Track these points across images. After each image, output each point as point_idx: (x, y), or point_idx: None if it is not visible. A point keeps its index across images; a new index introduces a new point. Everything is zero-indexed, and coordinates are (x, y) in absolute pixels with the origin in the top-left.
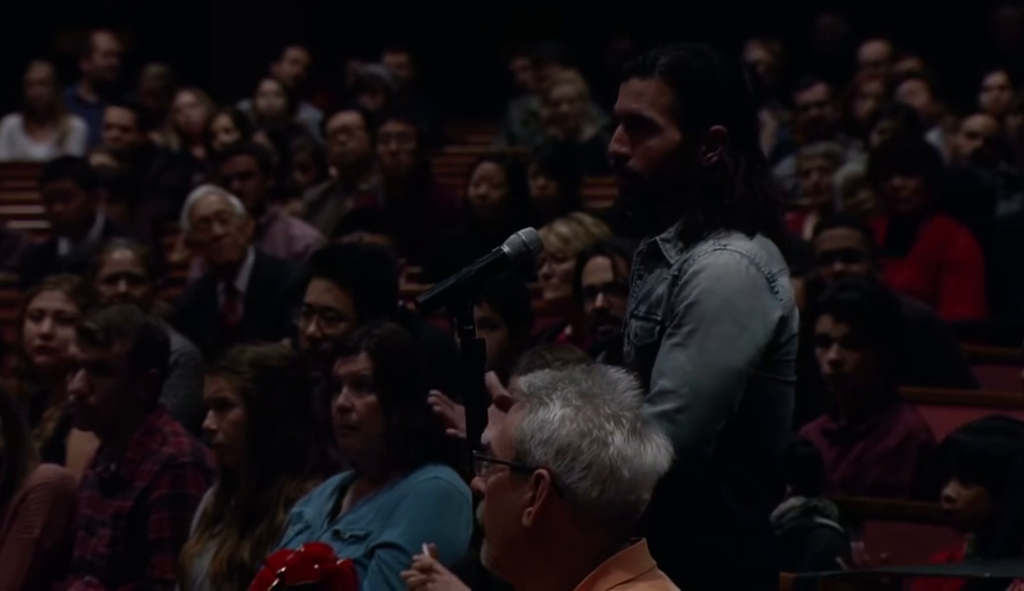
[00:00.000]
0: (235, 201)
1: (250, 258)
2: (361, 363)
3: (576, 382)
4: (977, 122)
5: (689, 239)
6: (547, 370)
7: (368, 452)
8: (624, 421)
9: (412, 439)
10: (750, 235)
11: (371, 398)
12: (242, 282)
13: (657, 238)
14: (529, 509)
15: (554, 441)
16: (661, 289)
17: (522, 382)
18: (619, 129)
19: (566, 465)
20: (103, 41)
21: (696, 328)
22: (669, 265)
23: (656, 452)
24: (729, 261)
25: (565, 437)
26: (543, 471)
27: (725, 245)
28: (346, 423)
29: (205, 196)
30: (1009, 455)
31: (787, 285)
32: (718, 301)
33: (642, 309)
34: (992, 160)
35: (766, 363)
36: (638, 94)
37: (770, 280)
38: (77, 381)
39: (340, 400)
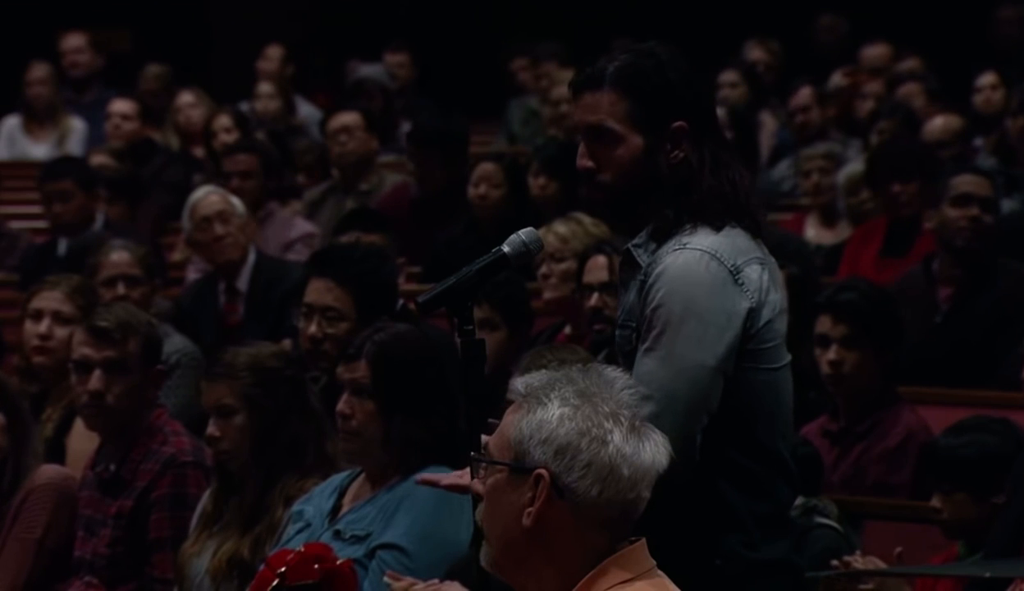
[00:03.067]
0: (236, 201)
1: (251, 258)
2: (360, 370)
3: (574, 382)
4: (937, 124)
5: (660, 239)
6: (543, 370)
7: (368, 457)
8: (623, 419)
9: (412, 447)
10: (718, 229)
11: (370, 405)
12: (243, 282)
13: (629, 245)
14: (529, 509)
15: (553, 441)
16: (633, 296)
17: (519, 383)
18: (582, 145)
19: (565, 464)
20: (72, 41)
21: (663, 331)
22: (641, 269)
23: (655, 450)
24: (689, 259)
25: (564, 436)
26: (542, 471)
27: (686, 244)
28: (346, 429)
29: (206, 196)
30: (983, 453)
31: (754, 275)
32: (681, 301)
33: (621, 317)
34: (961, 157)
35: (742, 354)
36: (593, 107)
37: (734, 273)
38: (95, 381)
39: (340, 406)
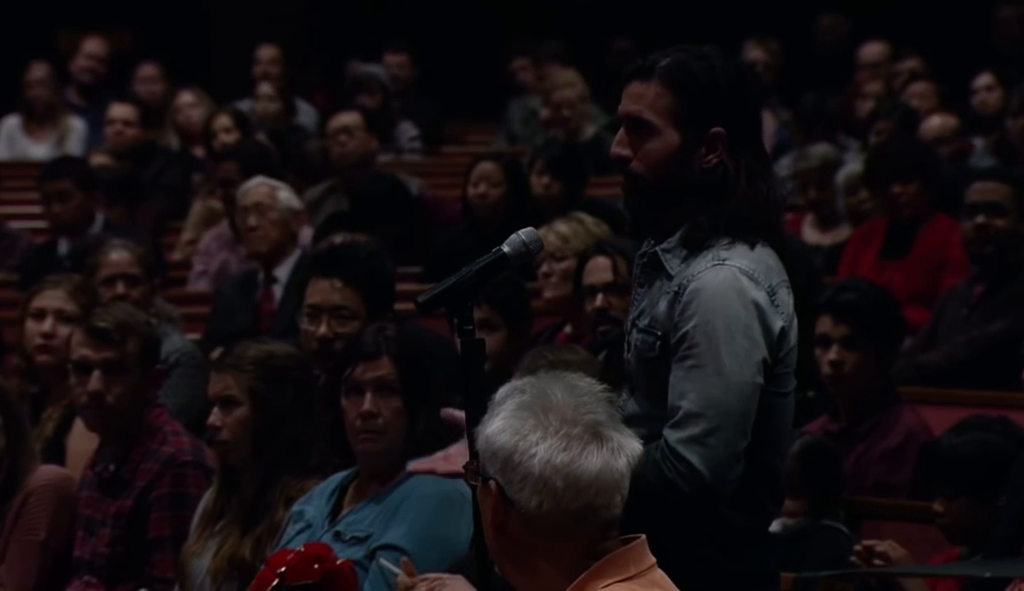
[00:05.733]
0: (284, 196)
1: (295, 254)
2: (385, 368)
3: (524, 392)
4: (934, 124)
5: (692, 246)
6: (526, 377)
7: (389, 456)
8: (551, 430)
9: (433, 440)
10: (752, 245)
11: (396, 402)
12: (283, 273)
13: (658, 248)
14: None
15: (497, 454)
16: (663, 304)
17: (498, 391)
18: (621, 131)
19: (508, 477)
20: (90, 45)
21: (709, 348)
22: (670, 277)
23: (607, 457)
24: (728, 277)
25: (502, 450)
26: (492, 482)
27: (724, 259)
28: (371, 428)
29: (255, 186)
30: (984, 452)
31: (787, 298)
32: (724, 318)
33: (643, 321)
34: (957, 158)
35: (768, 376)
36: (638, 97)
37: (771, 293)
38: (94, 382)
39: (366, 405)
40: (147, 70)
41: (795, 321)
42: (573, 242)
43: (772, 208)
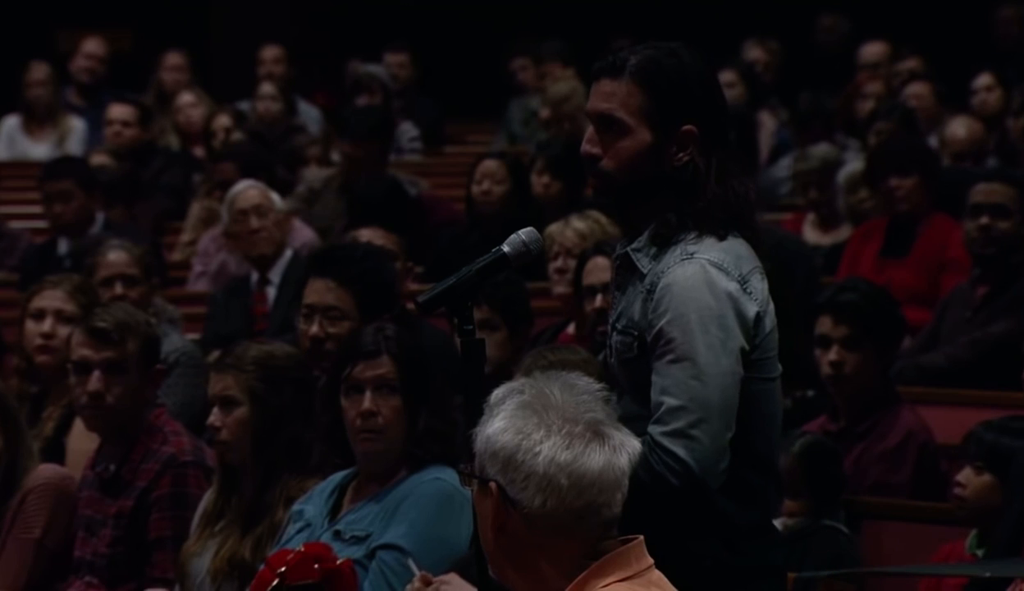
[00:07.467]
0: (275, 196)
1: (287, 255)
2: (385, 366)
3: (523, 392)
4: (961, 128)
5: (661, 243)
6: (521, 379)
7: (388, 455)
8: (554, 428)
9: (434, 439)
10: (721, 238)
11: (396, 401)
12: (275, 275)
13: (628, 249)
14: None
15: (498, 455)
16: (637, 304)
17: (492, 394)
18: (590, 130)
19: (509, 477)
20: (88, 45)
21: (684, 341)
22: (642, 276)
23: (609, 455)
24: (697, 270)
25: (503, 450)
26: (492, 483)
27: (693, 253)
28: (371, 427)
29: (245, 190)
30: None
31: (759, 284)
32: (696, 311)
33: (621, 323)
34: (977, 159)
35: (748, 363)
36: (609, 95)
37: (742, 282)
38: (94, 382)
39: (366, 404)
40: (174, 59)
41: (771, 306)
42: (590, 240)
43: (743, 205)
